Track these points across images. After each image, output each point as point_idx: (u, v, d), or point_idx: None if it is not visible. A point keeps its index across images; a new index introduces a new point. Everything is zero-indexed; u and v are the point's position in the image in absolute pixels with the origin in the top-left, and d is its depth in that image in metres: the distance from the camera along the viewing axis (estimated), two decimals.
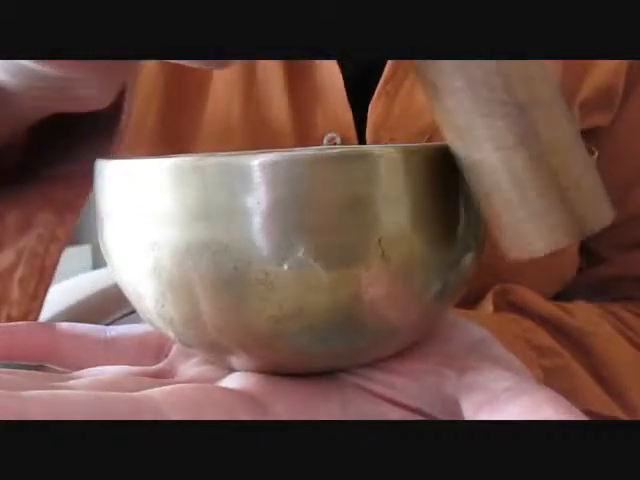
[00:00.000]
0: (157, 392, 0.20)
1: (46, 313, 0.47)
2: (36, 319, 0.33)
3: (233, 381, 0.23)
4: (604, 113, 0.45)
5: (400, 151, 0.21)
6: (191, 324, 0.22)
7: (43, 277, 0.33)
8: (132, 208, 0.21)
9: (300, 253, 0.20)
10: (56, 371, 0.26)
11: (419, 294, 0.22)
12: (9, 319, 0.33)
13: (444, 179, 0.21)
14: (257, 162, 0.19)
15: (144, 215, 0.21)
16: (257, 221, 0.19)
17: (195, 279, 0.20)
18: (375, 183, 0.20)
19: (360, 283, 0.20)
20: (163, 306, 0.22)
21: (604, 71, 0.43)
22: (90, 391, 0.19)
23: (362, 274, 0.20)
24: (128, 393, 0.19)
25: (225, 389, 0.22)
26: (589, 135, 0.45)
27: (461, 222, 0.22)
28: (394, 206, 0.20)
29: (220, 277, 0.20)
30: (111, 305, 0.51)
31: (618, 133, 0.46)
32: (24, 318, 0.33)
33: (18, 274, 0.33)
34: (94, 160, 0.23)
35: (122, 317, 0.50)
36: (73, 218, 0.34)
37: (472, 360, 0.23)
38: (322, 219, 0.20)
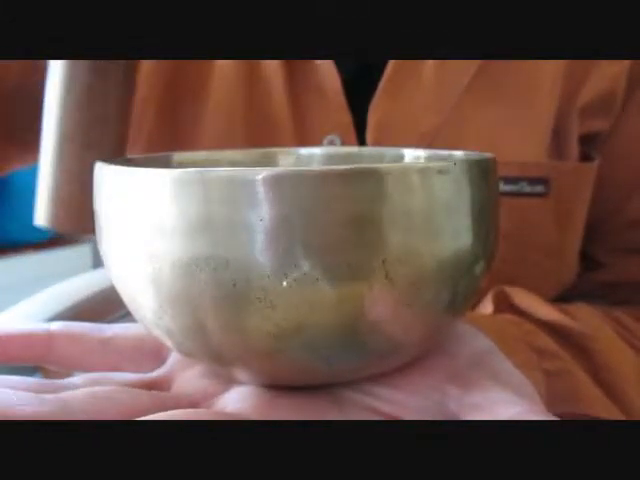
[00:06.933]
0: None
1: (47, 313, 0.47)
2: None
3: (230, 401, 0.22)
4: (604, 118, 0.45)
5: (408, 169, 0.20)
6: (190, 336, 0.21)
7: None
8: (132, 217, 0.21)
9: (301, 271, 0.19)
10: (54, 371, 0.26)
11: (425, 311, 0.21)
12: None
13: (452, 193, 0.21)
14: (261, 177, 0.19)
15: (144, 225, 0.20)
16: (258, 238, 0.19)
17: (194, 293, 0.20)
18: (381, 201, 0.19)
19: (362, 302, 0.20)
20: (161, 318, 0.21)
21: (604, 76, 0.43)
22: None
23: (365, 294, 0.20)
24: None
25: (216, 414, 0.21)
26: (589, 140, 0.45)
27: (470, 234, 0.21)
28: (400, 225, 0.20)
29: (219, 293, 0.20)
30: (111, 305, 0.51)
31: (618, 139, 0.45)
32: None
33: None
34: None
35: (122, 317, 0.50)
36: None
37: (476, 377, 0.22)
38: (325, 237, 0.19)
